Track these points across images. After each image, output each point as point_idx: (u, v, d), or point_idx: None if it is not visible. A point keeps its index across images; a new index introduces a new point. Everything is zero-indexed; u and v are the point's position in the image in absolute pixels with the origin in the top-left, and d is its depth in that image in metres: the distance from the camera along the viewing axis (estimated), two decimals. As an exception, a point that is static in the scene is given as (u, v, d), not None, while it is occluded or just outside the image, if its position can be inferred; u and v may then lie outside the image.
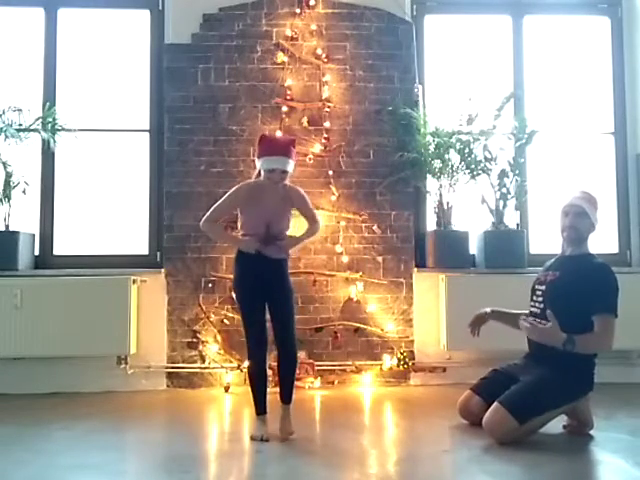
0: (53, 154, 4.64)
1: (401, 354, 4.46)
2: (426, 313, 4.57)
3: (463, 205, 4.67)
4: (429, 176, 4.62)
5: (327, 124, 4.60)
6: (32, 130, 4.44)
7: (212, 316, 4.45)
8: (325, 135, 4.59)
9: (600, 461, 2.87)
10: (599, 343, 3.09)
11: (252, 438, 3.11)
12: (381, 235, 4.58)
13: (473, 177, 4.58)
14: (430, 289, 4.58)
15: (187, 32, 4.61)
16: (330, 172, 4.57)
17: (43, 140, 4.49)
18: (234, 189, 3.24)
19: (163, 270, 4.50)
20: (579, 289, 3.09)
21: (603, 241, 4.86)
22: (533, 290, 3.34)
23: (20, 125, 4.42)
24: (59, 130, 4.50)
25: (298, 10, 4.64)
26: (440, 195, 4.60)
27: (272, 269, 3.15)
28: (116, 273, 4.36)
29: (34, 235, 4.56)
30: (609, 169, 4.98)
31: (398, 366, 4.45)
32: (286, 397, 3.18)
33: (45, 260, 4.60)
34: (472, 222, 4.68)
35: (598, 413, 3.26)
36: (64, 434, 3.28)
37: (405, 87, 4.68)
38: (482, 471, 2.70)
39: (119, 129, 4.78)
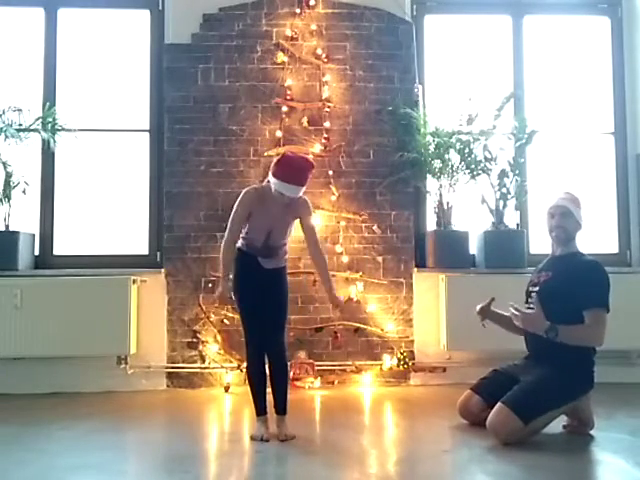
0: (53, 154, 4.64)
1: (401, 354, 4.45)
2: (426, 313, 4.57)
3: (463, 205, 4.67)
4: (429, 176, 4.63)
5: (327, 124, 4.60)
6: (32, 130, 4.44)
7: (212, 316, 4.45)
8: (325, 135, 4.59)
9: (600, 461, 2.87)
10: (589, 336, 3.10)
11: (252, 438, 3.11)
12: (381, 235, 4.58)
13: (473, 177, 4.58)
14: (430, 289, 4.58)
15: (187, 32, 4.61)
16: (330, 172, 4.57)
17: (43, 140, 4.49)
18: (242, 195, 3.16)
19: (163, 270, 4.50)
20: (571, 287, 3.11)
21: (603, 241, 4.88)
22: (528, 293, 3.36)
23: (20, 125, 4.42)
24: (59, 130, 4.50)
25: (298, 10, 4.64)
26: (440, 195, 4.60)
27: (269, 276, 3.17)
28: (116, 273, 4.37)
29: (34, 235, 4.56)
30: (609, 169, 4.99)
31: (398, 366, 4.45)
32: (280, 408, 3.16)
33: (45, 260, 4.60)
34: (472, 222, 4.68)
35: (598, 413, 3.26)
36: (64, 434, 3.28)
37: (405, 87, 4.68)
38: (482, 471, 2.70)
39: (119, 129, 4.78)
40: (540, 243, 4.74)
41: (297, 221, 3.25)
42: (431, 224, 4.72)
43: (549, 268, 3.32)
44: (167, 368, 4.44)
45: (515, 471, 2.66)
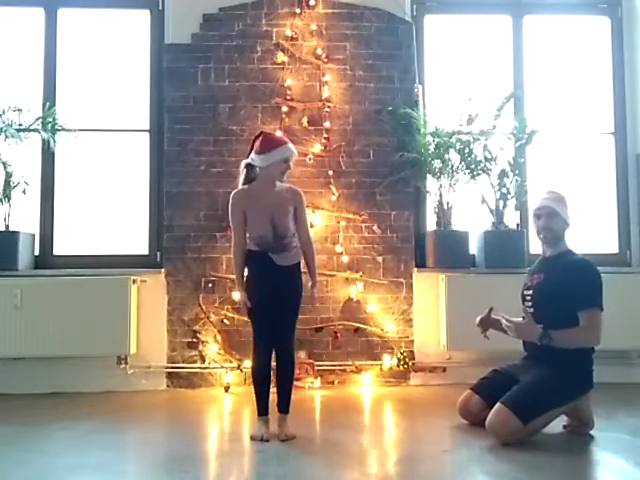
0: (53, 154, 4.64)
1: (401, 354, 4.46)
2: (426, 313, 4.57)
3: (463, 205, 4.67)
4: (429, 176, 4.63)
5: (327, 124, 4.60)
6: (32, 130, 4.44)
7: (212, 316, 4.45)
8: (325, 135, 4.59)
9: (600, 461, 2.87)
10: (584, 338, 3.11)
11: (252, 438, 3.11)
12: (381, 235, 4.58)
13: (473, 177, 4.58)
14: (430, 289, 4.58)
15: (187, 32, 4.61)
16: (330, 172, 4.57)
17: (43, 140, 4.49)
18: (231, 198, 3.24)
19: (163, 270, 4.50)
20: (564, 289, 3.11)
21: (603, 241, 4.88)
22: (523, 296, 3.36)
23: (20, 125, 4.42)
24: (59, 130, 4.50)
25: (298, 10, 4.64)
26: (440, 195, 4.60)
27: (283, 274, 3.16)
28: (116, 273, 4.37)
29: (34, 235, 4.56)
30: (609, 169, 4.98)
31: (398, 366, 4.45)
32: (283, 407, 3.17)
33: (45, 260, 4.60)
34: (472, 222, 4.68)
35: (598, 413, 3.26)
36: (64, 434, 3.28)
37: (405, 87, 4.68)
38: (482, 471, 2.70)
39: (119, 129, 4.78)
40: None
41: None
42: (431, 224, 4.72)
43: (541, 270, 3.32)
44: (167, 368, 4.44)
45: (515, 471, 2.66)
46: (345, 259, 4.54)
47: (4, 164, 4.40)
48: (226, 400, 4.14)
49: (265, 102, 4.61)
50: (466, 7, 5.02)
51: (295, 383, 3.29)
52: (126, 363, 4.36)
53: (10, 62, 4.77)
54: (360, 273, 4.54)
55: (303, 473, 2.68)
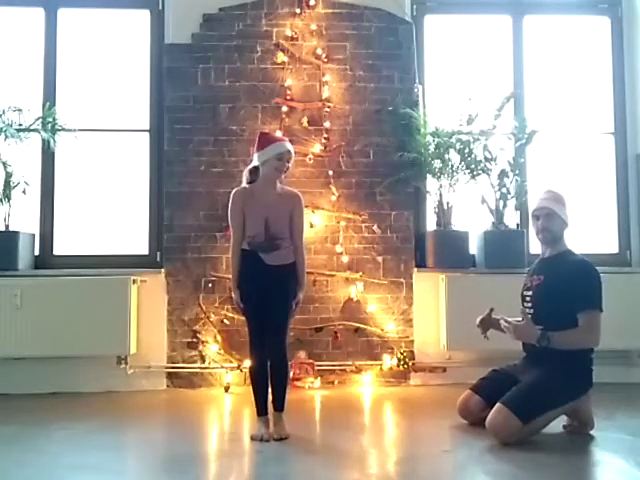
0: (53, 154, 4.64)
1: (401, 354, 4.45)
2: (426, 313, 4.57)
3: (463, 205, 4.67)
4: (429, 176, 4.62)
5: (327, 124, 4.60)
6: (32, 130, 4.44)
7: (212, 316, 4.45)
8: (325, 135, 4.59)
9: (600, 461, 2.87)
10: (583, 339, 3.11)
11: (252, 438, 3.11)
12: (381, 235, 4.58)
13: (473, 177, 4.58)
14: (430, 289, 4.58)
15: (187, 32, 4.61)
16: (330, 172, 4.56)
17: (43, 140, 4.49)
18: (232, 197, 3.26)
19: (163, 270, 4.50)
20: (563, 290, 3.11)
21: (603, 241, 4.88)
22: (522, 297, 3.36)
23: (20, 125, 4.42)
24: (59, 130, 4.50)
25: (298, 10, 4.64)
26: (440, 195, 4.60)
27: (273, 275, 3.15)
28: (116, 273, 4.37)
29: (34, 235, 4.56)
30: (609, 169, 4.98)
31: (398, 366, 4.45)
32: (278, 405, 3.17)
33: (45, 260, 4.59)
34: (472, 222, 4.68)
35: (598, 413, 3.26)
36: (64, 434, 3.28)
37: (405, 87, 4.68)
38: (482, 471, 2.70)
39: (119, 129, 4.78)
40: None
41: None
42: (431, 224, 4.72)
43: (540, 271, 3.31)
44: (167, 368, 4.44)
45: (515, 471, 2.66)
46: (345, 259, 4.54)
47: (4, 164, 4.40)
48: (226, 400, 4.14)
49: (265, 102, 4.61)
50: (466, 7, 5.02)
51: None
52: (126, 363, 4.36)
53: (10, 62, 4.77)
54: (360, 273, 4.54)
55: (303, 473, 2.68)
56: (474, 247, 4.65)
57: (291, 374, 4.09)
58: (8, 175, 4.40)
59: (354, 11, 4.69)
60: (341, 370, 4.46)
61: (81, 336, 4.20)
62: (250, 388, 3.21)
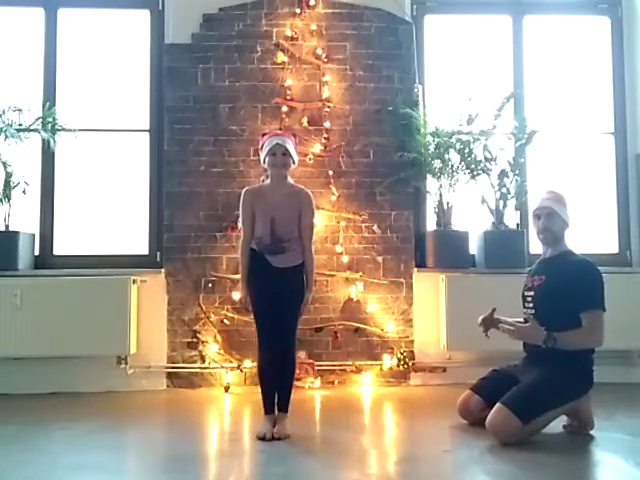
0: (53, 154, 4.64)
1: (401, 354, 4.45)
2: (426, 313, 4.57)
3: (463, 205, 4.67)
4: (429, 176, 4.62)
5: (327, 124, 4.60)
6: (32, 130, 4.44)
7: (212, 316, 4.45)
8: (325, 135, 4.59)
9: (600, 461, 2.87)
10: (588, 339, 3.11)
11: (257, 437, 3.11)
12: (381, 235, 4.58)
13: (473, 177, 4.58)
14: (430, 289, 4.58)
15: (187, 32, 4.61)
16: (330, 172, 4.56)
17: (43, 140, 4.48)
18: (242, 195, 3.26)
19: (163, 270, 4.50)
20: (566, 291, 3.11)
21: (603, 241, 4.88)
22: (524, 297, 3.37)
23: (20, 125, 4.41)
24: (59, 130, 4.50)
25: (298, 10, 4.64)
26: (440, 195, 4.60)
27: (281, 277, 3.15)
28: (116, 273, 4.36)
29: (34, 235, 4.56)
30: (609, 169, 4.98)
31: (398, 366, 4.45)
32: (282, 406, 3.18)
33: (45, 260, 4.59)
34: (472, 222, 4.68)
35: (598, 413, 3.26)
36: (64, 434, 3.28)
37: (405, 87, 4.68)
38: (482, 471, 2.70)
39: (119, 129, 4.78)
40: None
41: None
42: (431, 224, 4.72)
43: (542, 271, 3.31)
44: (167, 368, 4.44)
45: (515, 471, 2.66)
46: (345, 259, 4.54)
47: (4, 164, 4.39)
48: (226, 400, 4.14)
49: (265, 102, 4.61)
50: (466, 7, 5.02)
51: (295, 383, 3.29)
52: (126, 363, 4.36)
53: (10, 62, 4.77)
54: (360, 273, 4.54)
55: (303, 473, 2.68)
56: (474, 247, 4.65)
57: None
58: (8, 175, 4.40)
59: (354, 11, 4.69)
60: (341, 370, 4.46)
61: (81, 336, 4.20)
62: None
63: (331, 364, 4.46)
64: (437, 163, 4.56)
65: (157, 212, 4.65)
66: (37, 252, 4.59)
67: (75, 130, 4.57)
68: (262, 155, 3.25)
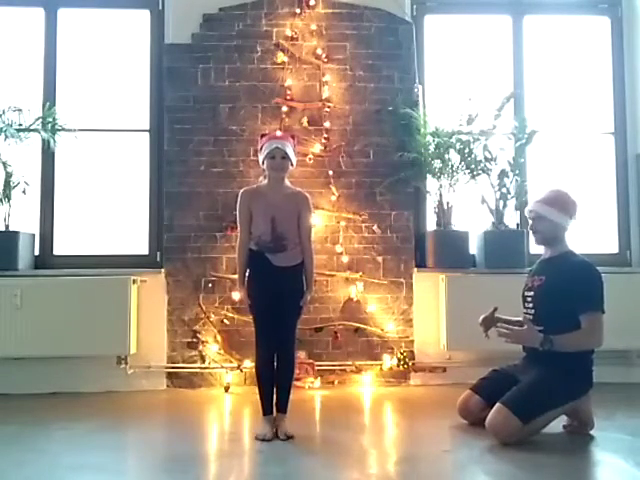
0: (53, 154, 4.64)
1: (401, 354, 4.46)
2: (426, 313, 4.57)
3: (463, 205, 4.67)
4: (429, 176, 4.62)
5: (327, 124, 4.60)
6: (32, 130, 4.44)
7: (212, 316, 4.45)
8: (325, 135, 4.59)
9: (600, 461, 2.88)
10: (586, 341, 3.11)
11: (256, 437, 3.11)
12: (381, 235, 4.58)
13: (473, 177, 4.58)
14: (430, 289, 4.58)
15: (187, 32, 4.61)
16: (330, 172, 4.56)
17: (43, 140, 4.48)
18: (239, 196, 3.27)
19: (163, 270, 4.50)
20: (565, 291, 3.11)
21: (603, 241, 4.88)
22: (524, 297, 3.37)
23: (20, 125, 4.41)
24: (59, 130, 4.49)
25: (298, 10, 4.64)
26: (440, 195, 4.60)
27: (281, 276, 3.15)
28: (116, 273, 4.36)
29: (34, 235, 4.56)
30: (609, 169, 4.98)
31: (398, 366, 4.45)
32: (281, 406, 3.18)
33: (45, 260, 4.59)
34: (472, 222, 4.68)
35: (598, 413, 3.26)
36: (64, 434, 3.28)
37: (405, 87, 4.68)
38: (482, 471, 2.71)
39: (119, 129, 4.78)
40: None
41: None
42: (431, 224, 4.72)
43: (542, 272, 3.31)
44: (167, 368, 4.44)
45: (515, 471, 2.66)
46: (345, 259, 4.53)
47: (4, 164, 4.39)
48: (226, 400, 4.14)
49: (265, 102, 4.61)
50: (466, 7, 5.02)
51: (295, 383, 3.30)
52: (126, 363, 4.36)
53: (10, 62, 4.76)
54: (360, 273, 4.54)
55: (303, 473, 2.69)
56: (474, 247, 4.65)
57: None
58: (8, 175, 4.40)
59: (354, 11, 4.68)
60: (341, 370, 4.46)
61: (81, 336, 4.20)
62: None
63: (331, 364, 4.46)
64: (437, 163, 4.56)
65: (157, 212, 4.65)
66: (37, 252, 4.59)
67: (75, 130, 4.57)
68: (261, 157, 3.26)
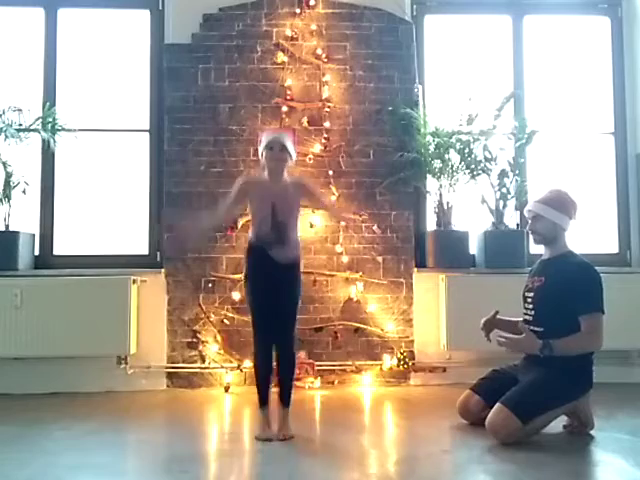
0: (53, 154, 4.64)
1: (401, 354, 4.46)
2: (426, 313, 4.57)
3: (463, 205, 4.67)
4: (429, 176, 4.63)
5: (327, 124, 4.60)
6: (32, 130, 4.44)
7: (212, 316, 4.45)
8: (325, 135, 4.59)
9: (600, 461, 2.87)
10: (586, 343, 3.10)
11: (257, 438, 3.11)
12: (381, 235, 4.58)
13: (473, 177, 4.58)
14: (430, 289, 4.58)
15: (187, 32, 4.61)
16: (330, 172, 4.56)
17: (43, 140, 4.49)
18: (238, 181, 3.34)
19: (163, 270, 4.50)
20: (564, 291, 3.11)
21: (603, 241, 4.88)
22: (524, 297, 3.37)
23: (20, 125, 4.42)
24: (59, 130, 4.50)
25: (298, 10, 4.64)
26: (440, 195, 4.60)
27: (281, 272, 3.15)
28: (116, 273, 4.36)
29: (34, 235, 4.56)
30: (609, 169, 4.98)
31: (398, 366, 4.45)
32: (284, 399, 3.20)
33: (45, 260, 4.59)
34: (472, 222, 4.68)
35: (598, 413, 3.26)
36: (64, 434, 3.28)
37: (405, 87, 4.68)
38: (482, 471, 2.70)
39: (119, 129, 4.78)
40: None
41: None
42: (431, 224, 4.72)
43: (541, 272, 3.31)
44: (167, 368, 4.44)
45: (515, 471, 2.66)
46: (345, 259, 4.53)
47: (4, 164, 4.39)
48: (226, 400, 4.14)
49: (265, 102, 4.61)
50: (466, 7, 5.02)
51: (295, 383, 3.30)
52: (126, 363, 4.36)
53: (10, 62, 4.76)
54: (360, 273, 4.54)
55: (303, 473, 2.68)
56: (474, 247, 4.65)
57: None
58: (8, 175, 4.40)
59: (354, 11, 4.68)
60: (341, 370, 4.46)
61: (81, 336, 4.20)
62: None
63: (331, 364, 4.46)
64: (437, 163, 4.56)
65: (157, 212, 4.64)
66: (37, 252, 4.59)
67: (75, 130, 4.57)
68: (260, 149, 3.30)
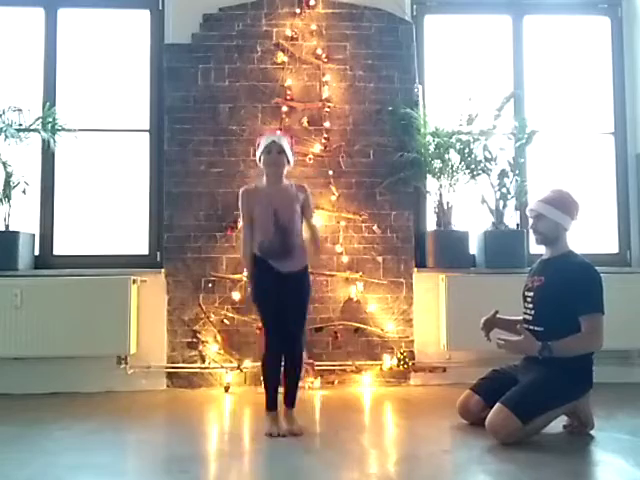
0: (53, 154, 4.64)
1: (401, 354, 4.45)
2: (426, 313, 4.57)
3: (463, 205, 4.67)
4: (429, 176, 4.63)
5: (327, 124, 4.60)
6: (32, 130, 4.44)
7: (212, 316, 4.44)
8: (325, 135, 4.59)
9: (600, 461, 2.87)
10: (586, 344, 3.10)
11: (269, 434, 3.12)
12: (381, 235, 4.58)
13: (473, 177, 4.58)
14: (430, 289, 4.58)
15: (187, 32, 4.61)
16: (330, 172, 4.56)
17: (43, 140, 4.48)
18: (240, 195, 3.28)
19: (163, 270, 4.50)
20: (564, 291, 3.11)
21: (603, 241, 4.88)
22: (524, 297, 3.37)
23: (20, 125, 4.41)
24: (59, 130, 4.49)
25: (298, 10, 4.64)
26: (440, 195, 4.60)
27: (288, 282, 3.16)
28: (116, 273, 4.36)
29: (34, 235, 4.56)
30: (609, 169, 4.98)
31: (398, 366, 4.45)
32: (290, 400, 3.23)
33: (45, 260, 4.59)
34: (472, 222, 4.68)
35: (598, 413, 3.26)
36: (64, 434, 3.28)
37: (405, 87, 4.68)
38: (482, 471, 2.70)
39: (119, 129, 4.78)
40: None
41: None
42: (431, 224, 4.72)
43: (541, 272, 3.31)
44: (167, 368, 4.44)
45: (515, 471, 2.66)
46: (345, 259, 4.53)
47: (4, 164, 4.39)
48: (226, 400, 4.14)
49: (265, 102, 4.61)
50: (466, 7, 5.02)
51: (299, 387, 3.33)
52: (126, 363, 4.36)
53: (10, 62, 4.76)
54: (360, 273, 4.54)
55: (303, 473, 2.68)
56: (474, 247, 4.65)
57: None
58: (8, 175, 4.40)
59: (354, 11, 4.68)
60: (341, 370, 4.46)
61: (81, 336, 4.20)
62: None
63: (331, 364, 4.46)
64: (437, 163, 4.56)
65: (157, 212, 4.65)
66: (37, 252, 4.59)
67: (75, 130, 4.57)
68: (258, 153, 3.29)
